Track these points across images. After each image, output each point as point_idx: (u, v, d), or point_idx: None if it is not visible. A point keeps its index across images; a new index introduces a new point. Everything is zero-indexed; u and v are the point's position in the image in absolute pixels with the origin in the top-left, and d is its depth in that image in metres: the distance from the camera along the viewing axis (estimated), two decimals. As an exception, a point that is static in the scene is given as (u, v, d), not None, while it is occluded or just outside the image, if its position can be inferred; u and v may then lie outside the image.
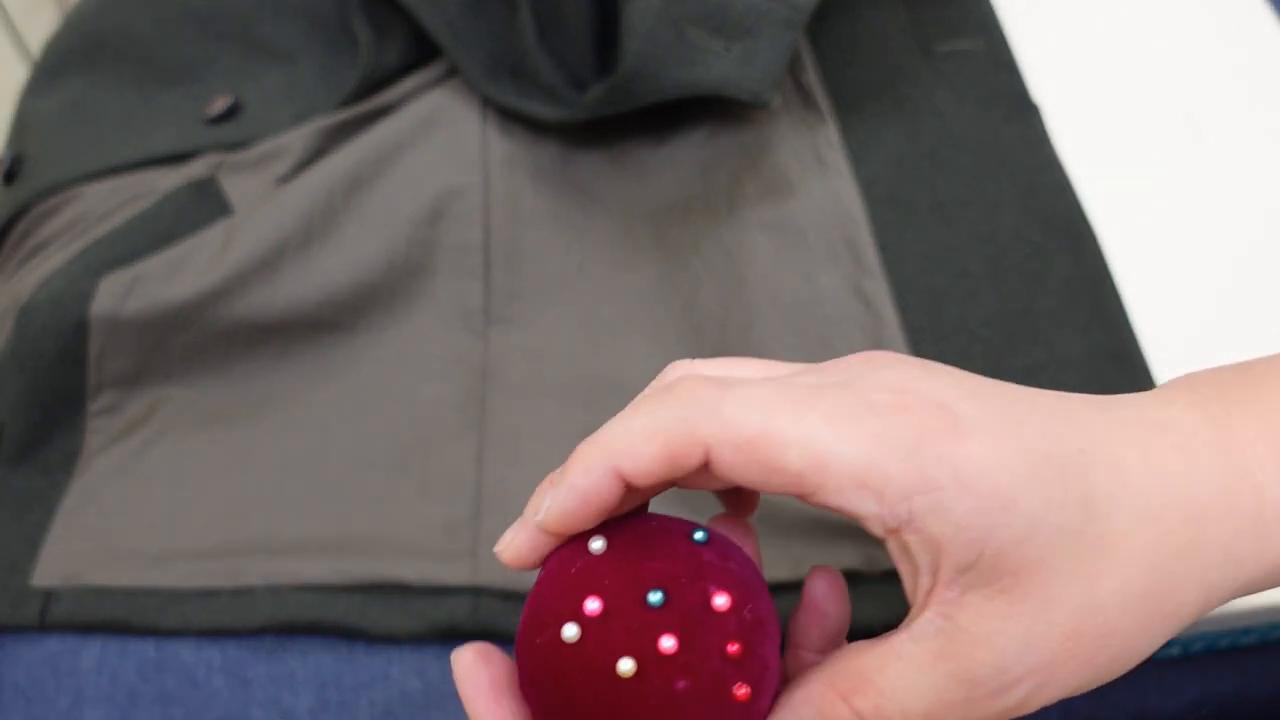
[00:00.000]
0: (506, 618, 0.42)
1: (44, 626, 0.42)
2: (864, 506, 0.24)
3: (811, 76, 0.54)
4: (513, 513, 0.45)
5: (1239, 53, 0.55)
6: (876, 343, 0.46)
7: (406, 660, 0.42)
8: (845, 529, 0.42)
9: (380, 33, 0.55)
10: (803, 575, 0.41)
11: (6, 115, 0.61)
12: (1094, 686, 0.26)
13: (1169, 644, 0.42)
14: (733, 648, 0.25)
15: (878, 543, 0.41)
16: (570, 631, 0.25)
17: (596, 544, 0.27)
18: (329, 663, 0.42)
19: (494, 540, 0.44)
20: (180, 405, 0.48)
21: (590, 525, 0.27)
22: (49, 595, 0.43)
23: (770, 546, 0.42)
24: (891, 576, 0.41)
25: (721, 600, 0.26)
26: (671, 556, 0.27)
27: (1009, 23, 0.57)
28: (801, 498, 0.25)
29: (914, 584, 0.26)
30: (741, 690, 0.25)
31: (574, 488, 0.26)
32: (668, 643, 0.25)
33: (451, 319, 0.49)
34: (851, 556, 0.41)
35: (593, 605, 0.25)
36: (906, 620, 0.26)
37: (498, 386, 0.48)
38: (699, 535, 0.27)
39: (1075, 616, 0.24)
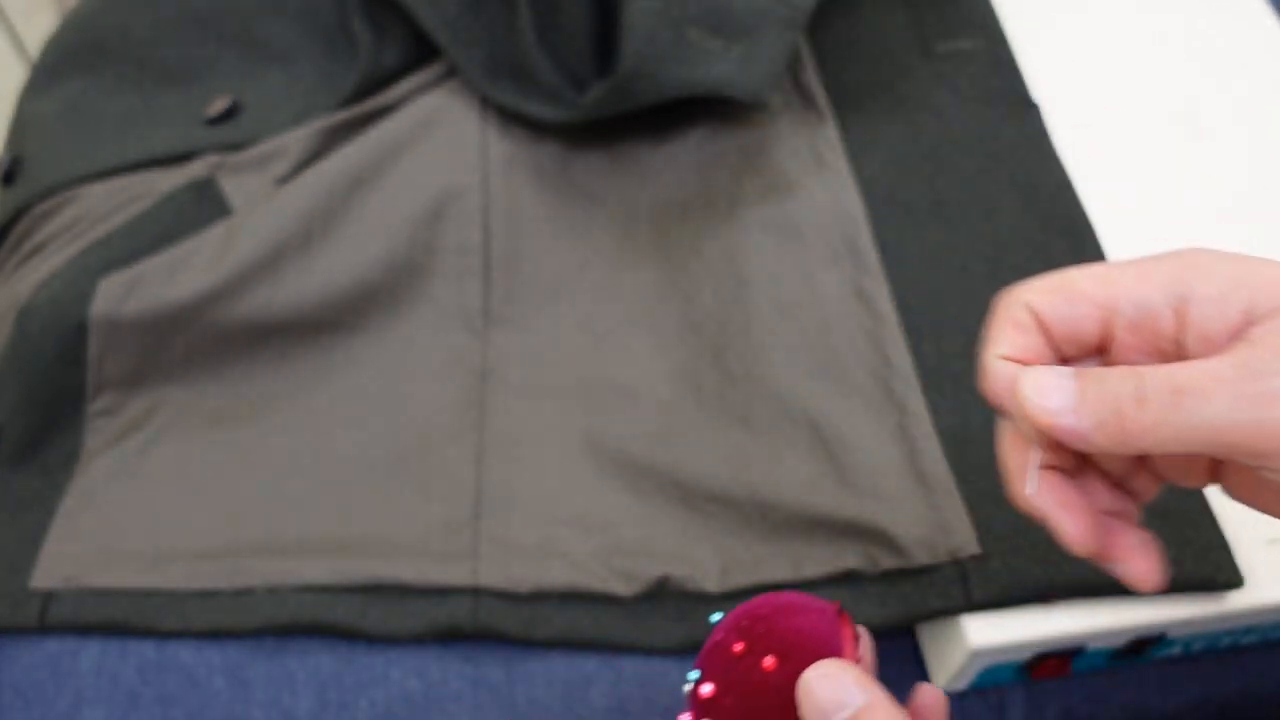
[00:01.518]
0: (506, 618, 0.42)
1: (43, 628, 0.42)
2: None
3: (811, 76, 0.54)
4: (513, 513, 0.45)
5: (1239, 52, 0.55)
6: (876, 342, 0.46)
7: (406, 661, 0.42)
8: (845, 529, 0.42)
9: (380, 33, 0.55)
10: (803, 575, 0.41)
11: (6, 116, 0.61)
12: None
13: (1169, 643, 0.42)
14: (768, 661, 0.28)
15: (879, 542, 0.41)
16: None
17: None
18: (329, 663, 0.42)
19: (494, 540, 0.44)
20: (180, 406, 0.48)
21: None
22: (48, 596, 0.43)
23: (770, 546, 0.42)
24: (891, 576, 0.41)
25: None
26: None
27: (1009, 22, 0.57)
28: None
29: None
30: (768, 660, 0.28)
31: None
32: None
33: (451, 320, 0.49)
34: (851, 556, 0.41)
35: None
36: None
37: (497, 387, 0.48)
38: (715, 617, 0.31)
39: None
